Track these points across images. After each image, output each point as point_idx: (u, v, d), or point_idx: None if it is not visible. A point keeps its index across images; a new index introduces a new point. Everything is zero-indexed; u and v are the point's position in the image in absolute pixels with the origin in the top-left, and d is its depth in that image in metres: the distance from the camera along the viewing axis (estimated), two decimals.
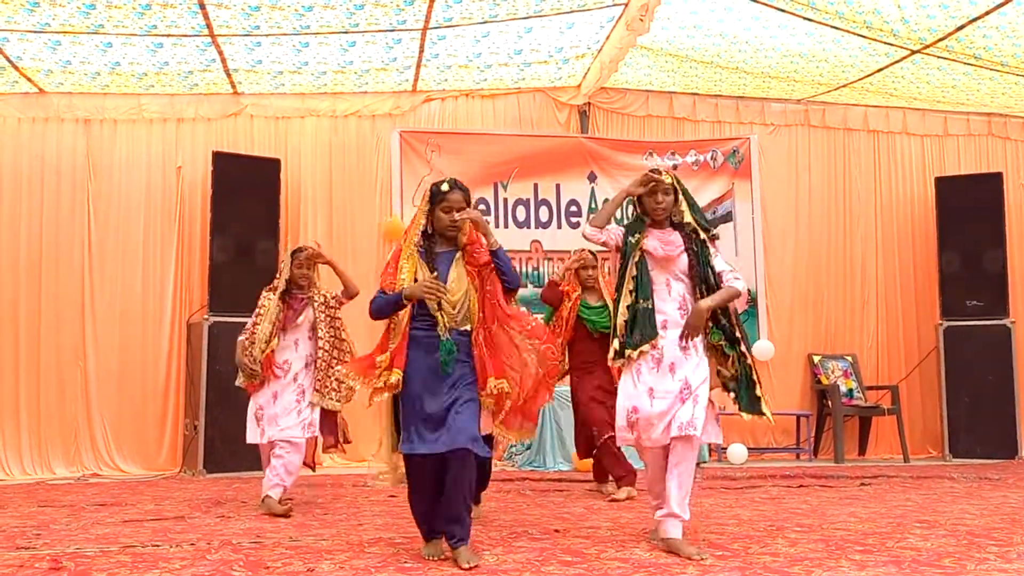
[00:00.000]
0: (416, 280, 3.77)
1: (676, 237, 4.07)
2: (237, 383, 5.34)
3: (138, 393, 7.67)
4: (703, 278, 3.98)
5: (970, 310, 8.45)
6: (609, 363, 4.08)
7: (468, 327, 3.81)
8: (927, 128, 9.15)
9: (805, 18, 6.70)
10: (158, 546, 4.07)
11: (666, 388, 3.89)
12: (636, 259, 4.04)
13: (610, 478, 5.93)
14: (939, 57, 7.24)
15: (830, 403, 8.36)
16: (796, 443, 8.50)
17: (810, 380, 8.71)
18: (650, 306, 3.97)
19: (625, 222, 4.31)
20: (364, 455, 7.44)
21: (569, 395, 7.77)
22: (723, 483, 6.52)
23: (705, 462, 7.89)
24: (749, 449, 8.06)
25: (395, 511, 5.17)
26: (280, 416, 5.18)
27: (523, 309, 4.29)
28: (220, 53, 6.99)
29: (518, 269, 8.40)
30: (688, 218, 4.10)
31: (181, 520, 4.89)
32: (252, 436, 5.25)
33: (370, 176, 8.28)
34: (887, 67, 7.60)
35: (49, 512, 5.28)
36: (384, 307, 3.82)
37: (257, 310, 5.27)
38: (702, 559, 3.68)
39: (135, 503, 5.64)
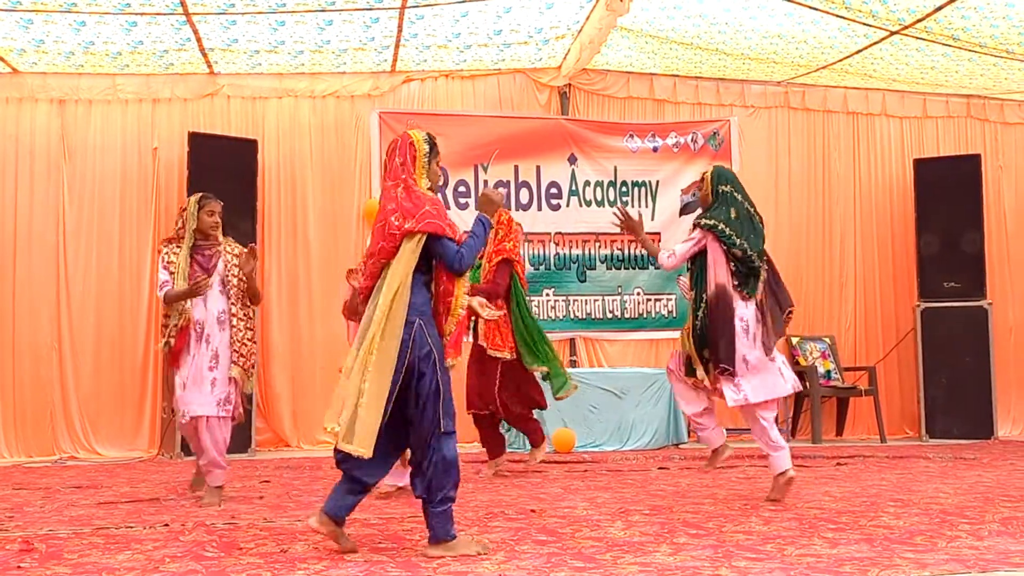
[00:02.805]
0: None
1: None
2: (162, 346, 4.95)
3: (115, 376, 7.62)
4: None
5: (947, 291, 8.51)
6: None
7: None
8: (906, 110, 9.17)
9: None
10: (131, 527, 4.05)
11: None
12: None
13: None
14: (918, 38, 7.24)
15: (808, 384, 8.40)
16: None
17: (789, 361, 8.73)
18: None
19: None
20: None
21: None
22: (700, 463, 6.54)
23: (684, 442, 7.93)
24: (728, 430, 8.05)
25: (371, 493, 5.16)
26: (194, 387, 4.77)
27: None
28: (195, 31, 6.91)
29: None
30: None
31: (156, 502, 4.87)
32: (184, 412, 4.82)
33: (349, 157, 8.22)
34: (866, 48, 7.60)
35: (24, 495, 5.25)
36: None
37: (164, 266, 4.86)
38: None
39: (111, 486, 5.61)
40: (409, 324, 3.47)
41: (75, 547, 3.62)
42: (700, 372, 4.85)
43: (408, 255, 3.51)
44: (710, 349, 4.79)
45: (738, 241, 4.80)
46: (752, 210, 4.98)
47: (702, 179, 5.11)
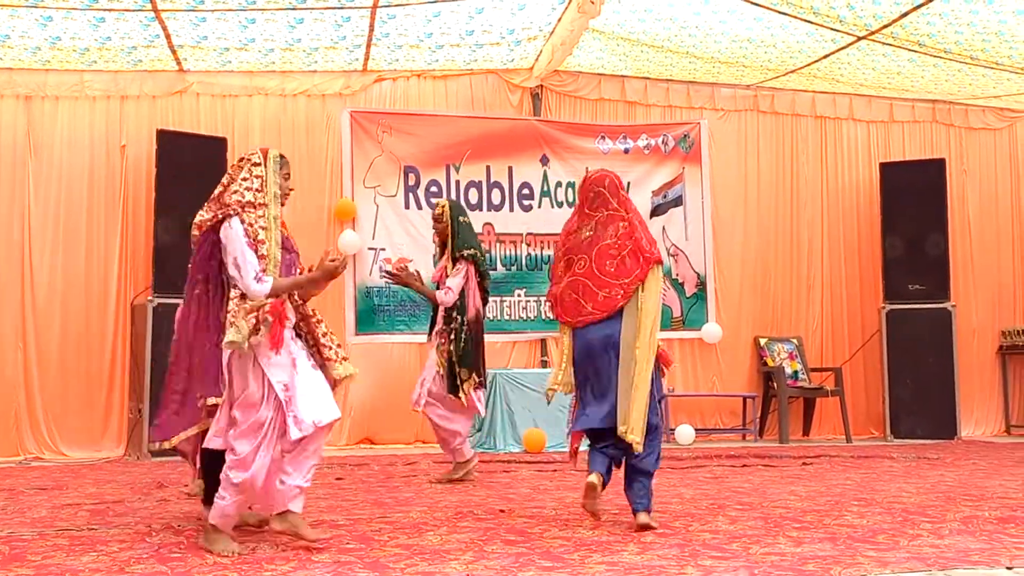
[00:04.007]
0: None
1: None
2: (240, 341, 3.43)
3: (82, 376, 7.52)
4: None
5: (912, 293, 8.64)
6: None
7: None
8: (873, 114, 9.30)
9: (753, 3, 6.75)
10: (95, 529, 4.01)
11: None
12: None
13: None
14: (884, 43, 7.34)
15: (775, 385, 8.51)
16: (742, 424, 8.63)
17: (757, 362, 8.84)
18: None
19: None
20: None
21: (516, 377, 7.84)
22: (669, 463, 6.57)
23: None
24: (697, 430, 8.16)
25: (339, 493, 5.15)
26: (318, 388, 3.61)
27: None
28: (164, 28, 6.85)
29: None
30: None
31: (121, 503, 4.82)
32: (314, 422, 3.50)
33: (320, 157, 8.19)
34: (834, 53, 7.69)
35: None
36: None
37: (251, 244, 3.54)
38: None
39: (76, 487, 5.54)
40: None
41: (39, 549, 3.58)
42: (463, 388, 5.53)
43: (659, 280, 4.14)
44: (472, 367, 5.53)
45: (485, 268, 5.70)
46: None
47: (441, 212, 5.69)
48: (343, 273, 3.86)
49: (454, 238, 5.63)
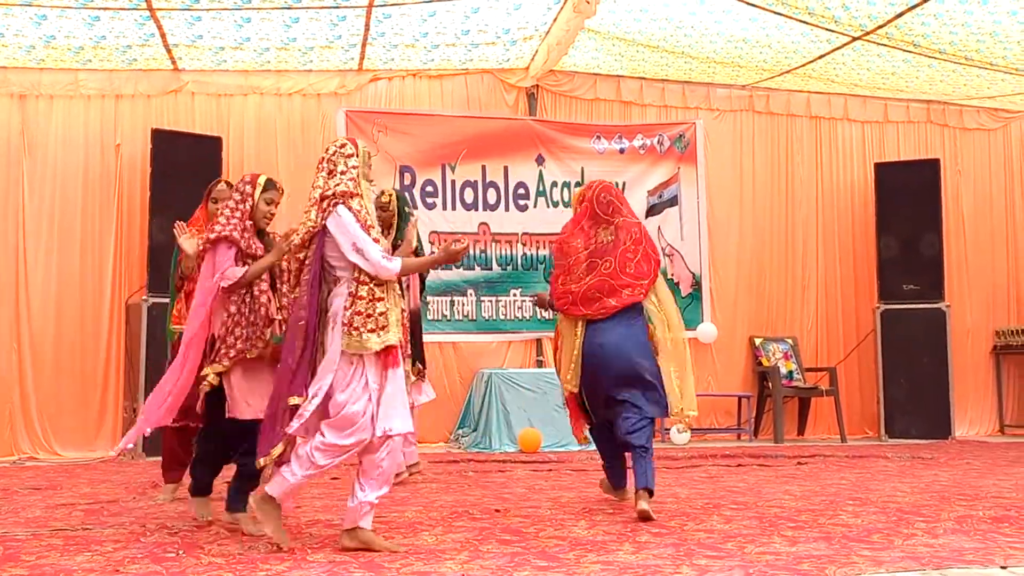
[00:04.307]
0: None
1: None
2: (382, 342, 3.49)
3: (76, 376, 7.51)
4: None
5: (907, 293, 8.65)
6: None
7: None
8: (868, 114, 9.32)
9: (749, 3, 6.76)
10: (89, 529, 4.00)
11: None
12: None
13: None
14: (879, 44, 7.36)
15: (770, 384, 8.52)
16: (737, 424, 8.64)
17: (752, 362, 8.85)
18: None
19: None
20: None
21: (512, 377, 7.85)
22: (664, 463, 6.59)
23: None
24: (692, 430, 8.16)
25: (335, 493, 5.14)
26: (398, 397, 3.58)
27: None
28: (159, 27, 6.84)
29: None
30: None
31: (116, 503, 4.81)
32: (385, 430, 3.50)
33: (315, 156, 8.05)
34: (829, 53, 7.70)
35: None
36: None
37: (365, 227, 3.51)
38: None
39: (71, 487, 5.53)
40: None
41: (33, 549, 3.57)
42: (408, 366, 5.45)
43: (664, 282, 4.68)
44: (416, 358, 5.48)
45: None
46: None
47: (388, 200, 5.59)
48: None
49: (399, 229, 5.57)
